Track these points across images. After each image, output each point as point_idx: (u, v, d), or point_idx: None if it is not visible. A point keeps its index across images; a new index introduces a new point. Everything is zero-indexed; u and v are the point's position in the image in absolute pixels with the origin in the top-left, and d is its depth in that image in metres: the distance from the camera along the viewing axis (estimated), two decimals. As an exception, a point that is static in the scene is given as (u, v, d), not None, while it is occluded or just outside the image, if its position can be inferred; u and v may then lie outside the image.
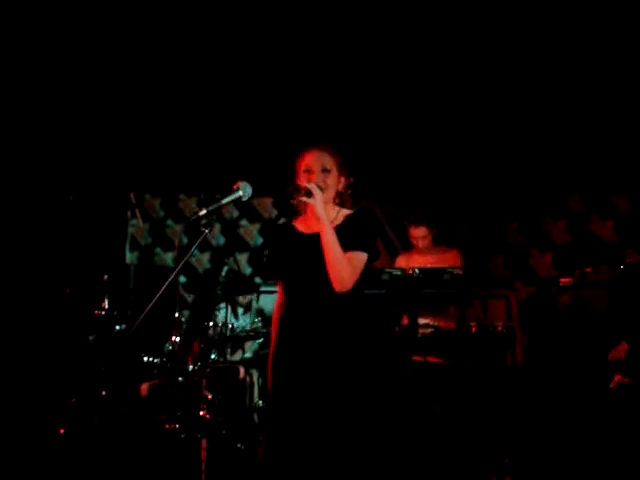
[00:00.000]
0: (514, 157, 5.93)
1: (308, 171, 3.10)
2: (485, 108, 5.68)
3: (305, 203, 3.05)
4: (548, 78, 5.42)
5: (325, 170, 3.09)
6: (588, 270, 5.25)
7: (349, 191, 3.20)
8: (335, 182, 3.13)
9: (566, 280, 5.29)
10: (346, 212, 3.16)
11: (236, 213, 6.67)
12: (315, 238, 3.04)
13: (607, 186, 5.87)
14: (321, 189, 3.01)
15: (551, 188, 6.11)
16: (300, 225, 3.22)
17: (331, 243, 2.96)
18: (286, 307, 3.15)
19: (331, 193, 3.12)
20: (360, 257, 3.03)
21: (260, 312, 5.82)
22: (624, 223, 5.94)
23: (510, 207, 6.21)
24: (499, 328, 4.86)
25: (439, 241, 5.32)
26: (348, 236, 3.02)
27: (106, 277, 4.51)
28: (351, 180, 3.20)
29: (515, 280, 6.16)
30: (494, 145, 5.88)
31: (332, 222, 3.05)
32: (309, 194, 2.98)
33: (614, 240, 5.90)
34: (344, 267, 2.97)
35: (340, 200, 3.17)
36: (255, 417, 5.08)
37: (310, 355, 3.01)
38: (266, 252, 3.66)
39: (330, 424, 2.96)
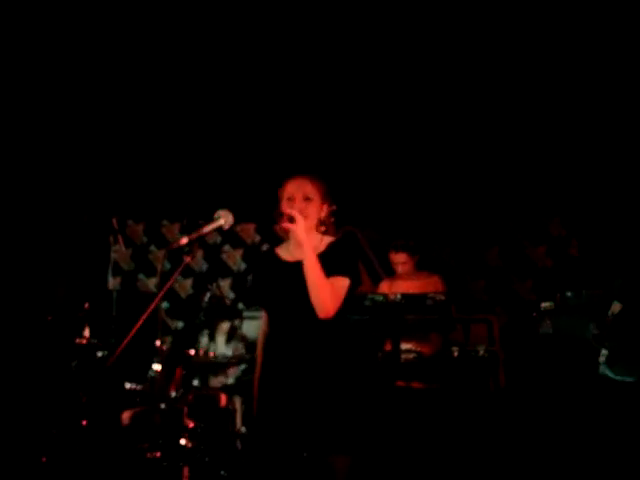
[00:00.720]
0: (495, 183, 5.99)
1: (290, 199, 3.12)
2: (465, 134, 5.74)
3: (288, 230, 3.07)
4: (526, 102, 5.47)
5: (307, 198, 3.11)
6: (569, 294, 5.29)
7: (332, 219, 3.23)
8: (317, 210, 3.15)
9: (547, 304, 5.33)
10: (329, 239, 3.18)
11: (219, 239, 6.67)
12: (298, 266, 3.05)
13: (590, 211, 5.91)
14: (303, 216, 3.03)
15: (532, 213, 6.17)
16: (283, 253, 3.24)
17: (312, 269, 2.98)
18: (271, 335, 3.17)
19: (313, 221, 3.14)
20: (342, 282, 3.04)
21: (243, 338, 5.81)
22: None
23: (491, 232, 6.26)
24: (481, 352, 4.89)
25: (422, 267, 5.35)
26: (331, 262, 3.03)
27: (87, 305, 4.49)
28: (334, 208, 3.22)
29: (496, 305, 6.19)
30: (475, 171, 5.94)
31: (315, 249, 3.06)
32: (291, 220, 3.00)
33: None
34: (326, 293, 2.98)
35: (323, 228, 3.19)
36: (238, 444, 5.06)
37: (294, 382, 3.02)
38: (249, 279, 3.66)
39: (315, 450, 2.96)
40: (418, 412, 4.70)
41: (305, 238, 3.00)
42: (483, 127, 5.67)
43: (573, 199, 5.93)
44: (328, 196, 3.20)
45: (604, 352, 4.29)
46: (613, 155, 5.57)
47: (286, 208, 3.09)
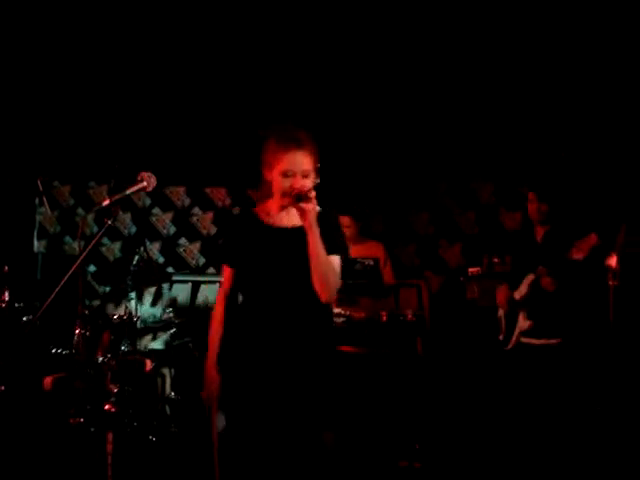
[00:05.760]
0: (426, 149, 6.01)
1: (287, 175, 2.90)
2: (400, 98, 5.72)
3: (300, 209, 2.81)
4: (461, 68, 5.48)
5: (306, 175, 2.91)
6: (495, 260, 5.39)
7: (317, 179, 3.01)
8: (313, 181, 2.95)
9: (474, 270, 5.43)
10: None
11: (148, 201, 6.55)
12: (289, 233, 2.95)
13: (517, 179, 6.00)
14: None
15: (462, 180, 6.24)
16: (265, 216, 3.05)
17: (322, 256, 2.83)
18: (246, 304, 3.01)
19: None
20: (338, 262, 2.94)
21: (172, 302, 5.76)
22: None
23: (421, 198, 6.31)
24: (409, 317, 4.96)
25: (364, 233, 5.39)
26: (323, 237, 2.85)
27: (6, 268, 4.36)
28: (317, 166, 3.00)
29: (426, 270, 6.27)
30: (406, 137, 5.95)
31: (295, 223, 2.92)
32: (306, 199, 2.79)
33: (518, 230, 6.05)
34: (334, 278, 2.89)
35: None
36: (167, 409, 5.03)
37: (280, 356, 2.91)
38: (220, 241, 3.55)
39: (305, 429, 2.90)
40: (348, 375, 4.75)
41: (315, 222, 2.81)
42: (416, 91, 5.67)
43: (504, 166, 6.01)
44: (317, 156, 2.99)
45: (521, 319, 4.40)
46: (545, 127, 5.65)
47: (280, 183, 2.90)
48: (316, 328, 2.96)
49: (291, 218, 2.96)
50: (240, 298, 3.09)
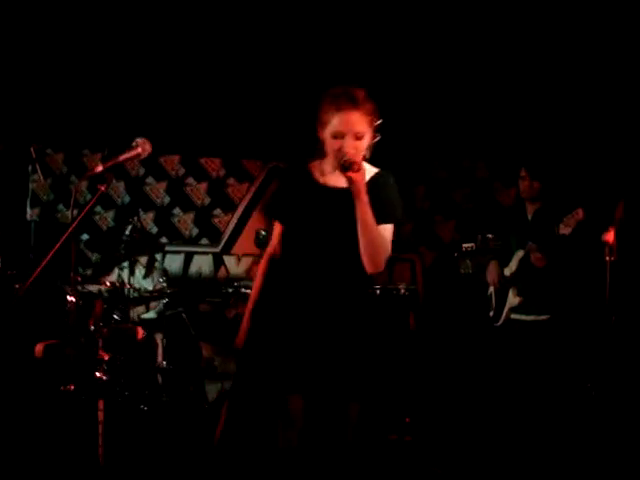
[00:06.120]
0: (424, 125, 5.98)
1: (338, 137, 2.74)
2: (394, 77, 5.67)
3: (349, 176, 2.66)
4: (454, 50, 5.44)
5: (359, 137, 2.74)
6: (490, 236, 5.39)
7: (376, 137, 2.86)
8: (368, 143, 2.80)
9: (468, 246, 5.42)
10: (372, 170, 2.85)
11: (142, 171, 6.51)
12: (337, 193, 2.79)
13: (510, 157, 5.98)
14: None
15: (458, 156, 6.22)
16: (319, 175, 2.89)
17: (370, 226, 2.69)
18: (289, 261, 2.88)
19: (362, 157, 2.79)
20: (390, 232, 2.79)
21: (164, 272, 5.74)
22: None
23: (417, 173, 6.28)
24: (402, 291, 4.96)
25: None
26: (376, 203, 2.72)
27: (-1, 235, 4.34)
28: (378, 138, 2.84)
29: (421, 245, 6.26)
30: (404, 113, 5.90)
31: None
32: (352, 169, 2.64)
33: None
34: (382, 249, 2.74)
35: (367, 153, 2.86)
36: (159, 378, 5.03)
37: (316, 320, 2.78)
38: (273, 196, 3.38)
39: (332, 396, 2.78)
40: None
41: (363, 192, 2.66)
42: (416, 67, 5.62)
43: (498, 143, 5.99)
44: (376, 115, 2.81)
45: (511, 296, 4.41)
46: (538, 105, 5.62)
47: (348, 148, 2.71)
48: (353, 295, 2.82)
49: (344, 179, 2.76)
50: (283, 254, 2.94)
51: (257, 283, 3.00)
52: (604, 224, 3.31)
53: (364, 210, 2.68)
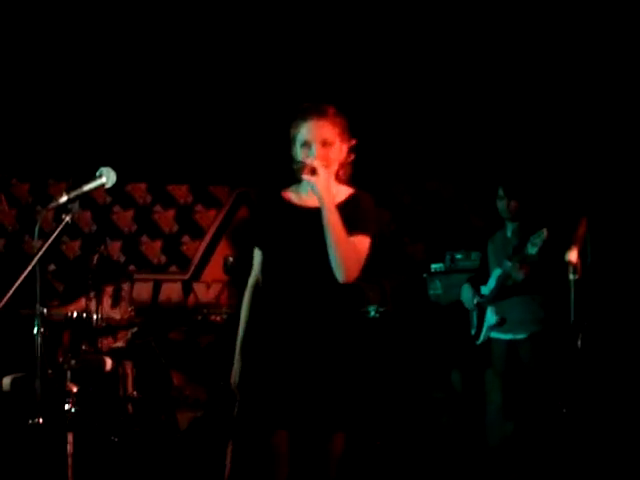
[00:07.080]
0: (392, 145, 6.01)
1: (305, 145, 2.74)
2: (362, 95, 5.71)
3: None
4: (431, 67, 5.48)
5: (326, 143, 2.73)
6: (459, 256, 5.43)
7: (351, 156, 2.85)
8: (338, 153, 2.77)
9: (437, 266, 5.46)
10: (349, 191, 2.83)
11: (109, 199, 6.47)
12: (312, 213, 2.72)
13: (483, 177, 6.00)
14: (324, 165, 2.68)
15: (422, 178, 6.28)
16: (294, 197, 2.86)
17: (336, 232, 2.64)
18: (270, 288, 2.82)
19: (334, 167, 2.78)
20: (364, 241, 2.73)
21: (132, 301, 5.69)
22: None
23: (382, 198, 6.31)
24: (372, 313, 4.98)
25: None
26: (351, 217, 2.70)
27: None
28: (353, 142, 2.83)
29: (389, 267, 6.27)
30: (367, 134, 5.94)
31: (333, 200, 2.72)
32: (313, 172, 2.64)
33: (481, 226, 6.10)
34: (349, 254, 2.67)
35: (342, 173, 2.84)
36: (130, 408, 4.98)
37: (299, 347, 2.70)
38: (252, 224, 3.36)
39: (318, 426, 2.70)
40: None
41: (326, 194, 2.65)
42: (377, 89, 5.67)
43: (464, 162, 6.05)
44: (347, 132, 2.80)
45: (490, 315, 4.42)
46: (508, 122, 5.69)
47: (316, 156, 2.70)
48: (339, 318, 2.75)
49: (316, 198, 2.72)
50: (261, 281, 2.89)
51: (243, 316, 2.93)
52: (567, 242, 3.34)
53: (327, 215, 2.64)
